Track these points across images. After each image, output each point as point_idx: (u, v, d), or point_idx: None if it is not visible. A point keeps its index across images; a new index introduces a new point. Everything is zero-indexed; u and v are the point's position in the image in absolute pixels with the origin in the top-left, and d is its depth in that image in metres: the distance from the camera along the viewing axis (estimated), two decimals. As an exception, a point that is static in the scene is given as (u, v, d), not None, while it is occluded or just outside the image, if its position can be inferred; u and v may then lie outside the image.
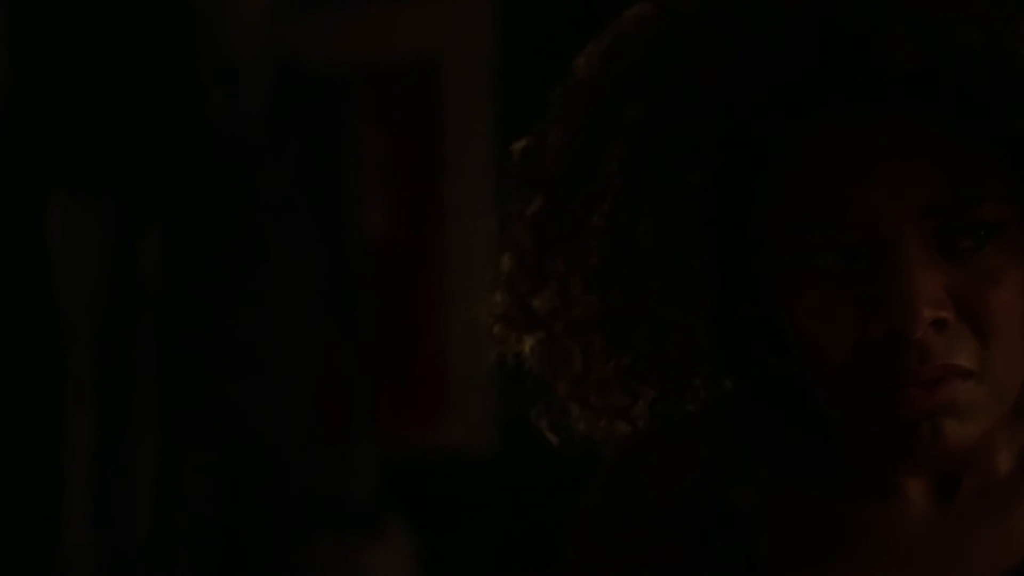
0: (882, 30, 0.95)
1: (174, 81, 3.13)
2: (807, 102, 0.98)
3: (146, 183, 3.12)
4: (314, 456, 3.21)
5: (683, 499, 1.09)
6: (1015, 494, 1.06)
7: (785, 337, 1.02)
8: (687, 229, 1.01)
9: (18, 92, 2.99)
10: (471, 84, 3.19)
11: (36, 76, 3.03)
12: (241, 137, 3.19)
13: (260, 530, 3.14)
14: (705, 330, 1.03)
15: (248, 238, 3.18)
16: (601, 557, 1.12)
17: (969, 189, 0.95)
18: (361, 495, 3.22)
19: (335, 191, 3.25)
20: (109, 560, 3.04)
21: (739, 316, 1.05)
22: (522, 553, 3.00)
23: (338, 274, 3.24)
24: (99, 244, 3.08)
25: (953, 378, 0.96)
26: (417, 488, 3.26)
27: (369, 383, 3.26)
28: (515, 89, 3.01)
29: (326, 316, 3.23)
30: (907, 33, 0.95)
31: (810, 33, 0.97)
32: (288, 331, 3.20)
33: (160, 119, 3.12)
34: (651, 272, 1.02)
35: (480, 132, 3.11)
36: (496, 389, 2.98)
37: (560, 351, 1.05)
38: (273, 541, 3.15)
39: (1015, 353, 0.99)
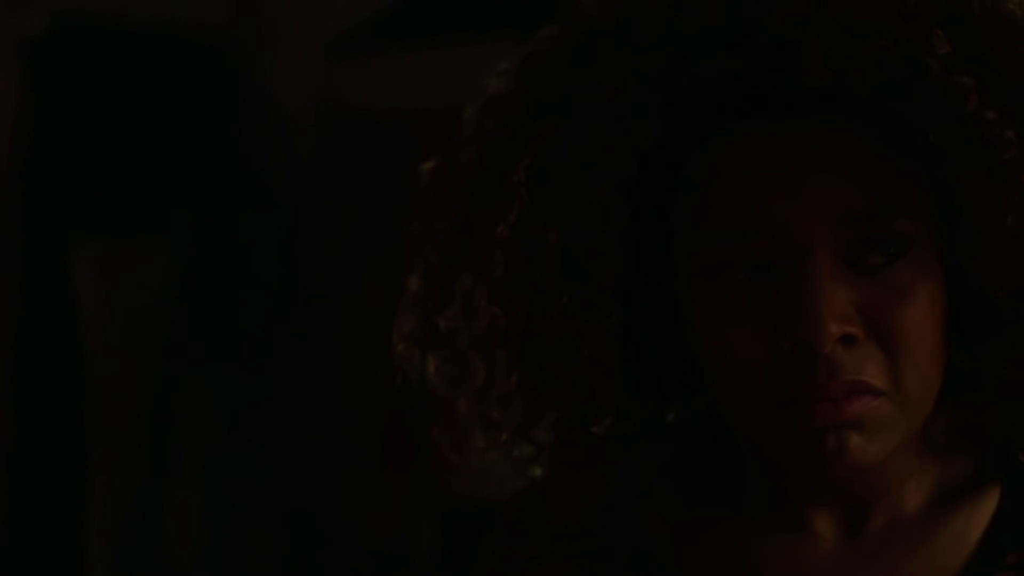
0: (795, 42, 0.95)
1: (216, 127, 3.18)
2: (722, 114, 0.98)
3: (198, 228, 3.20)
4: (375, 510, 3.21)
5: (588, 529, 1.09)
6: (925, 530, 1.05)
7: (695, 352, 1.01)
8: (595, 241, 1.01)
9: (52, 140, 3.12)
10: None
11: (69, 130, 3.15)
12: (294, 185, 3.19)
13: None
14: (612, 345, 1.03)
15: (304, 287, 3.19)
16: None
17: (883, 202, 0.95)
18: (424, 547, 3.19)
19: (390, 236, 3.18)
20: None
21: (649, 331, 1.05)
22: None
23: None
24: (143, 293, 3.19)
25: (861, 394, 0.95)
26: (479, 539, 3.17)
27: (429, 431, 3.19)
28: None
29: (382, 364, 3.19)
30: (820, 45, 0.94)
31: (724, 48, 0.97)
32: (345, 381, 3.19)
33: (203, 166, 3.18)
34: (557, 284, 1.01)
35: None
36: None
37: (463, 365, 1.04)
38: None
39: (925, 372, 0.98)
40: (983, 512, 1.07)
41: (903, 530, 1.05)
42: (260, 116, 3.23)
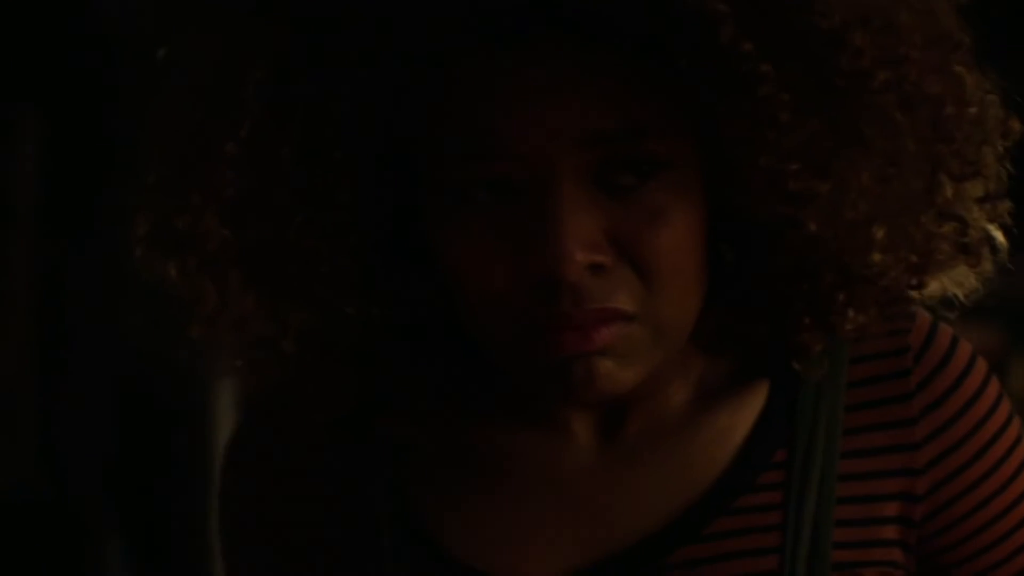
0: None
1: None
2: (465, 35, 0.93)
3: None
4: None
5: (340, 436, 1.09)
6: (687, 429, 1.05)
7: (442, 271, 0.99)
8: (332, 156, 0.97)
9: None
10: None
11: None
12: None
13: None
14: (354, 262, 1.00)
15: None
16: (254, 523, 1.11)
17: (633, 122, 0.92)
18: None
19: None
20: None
21: (395, 249, 1.02)
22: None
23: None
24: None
25: (611, 321, 0.94)
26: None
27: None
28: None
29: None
30: None
31: None
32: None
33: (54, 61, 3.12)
34: (293, 202, 0.97)
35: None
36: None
37: (193, 288, 1.00)
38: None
39: (681, 296, 0.96)
40: (750, 409, 1.05)
41: (664, 430, 1.04)
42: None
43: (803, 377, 1.03)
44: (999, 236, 1.02)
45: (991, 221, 1.01)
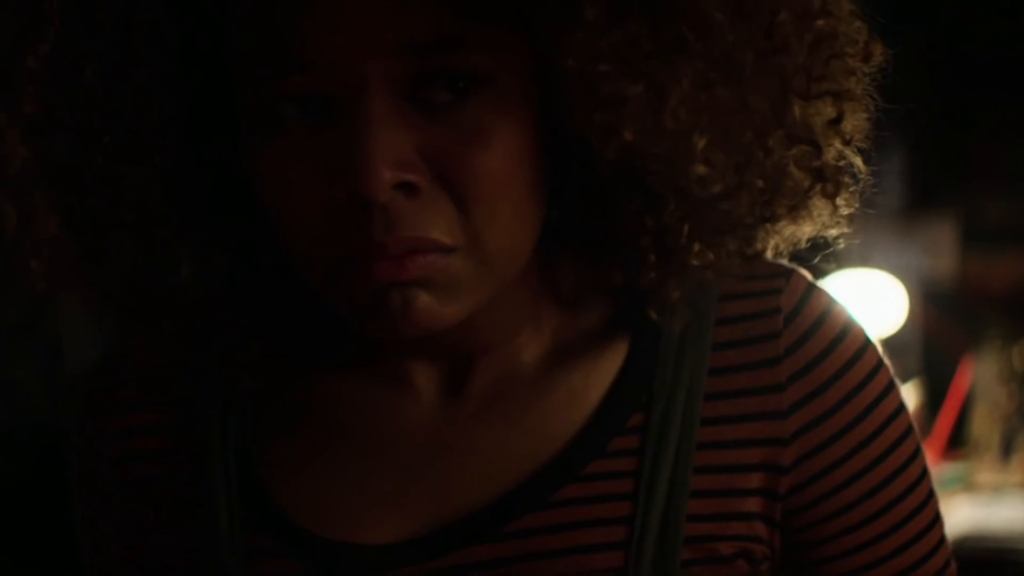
0: None
1: None
2: None
3: None
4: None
5: (173, 385, 1.05)
6: (538, 387, 0.99)
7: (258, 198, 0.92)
8: (137, 73, 0.90)
9: None
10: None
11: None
12: None
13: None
14: (161, 188, 0.93)
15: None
16: (96, 477, 1.09)
17: (449, 31, 0.84)
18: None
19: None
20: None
21: (212, 173, 0.95)
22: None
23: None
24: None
25: (427, 252, 0.87)
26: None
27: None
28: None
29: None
30: None
31: None
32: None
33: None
34: (98, 122, 0.90)
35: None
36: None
37: None
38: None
39: (507, 224, 0.89)
40: (608, 369, 0.99)
41: (514, 386, 0.99)
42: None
43: (663, 332, 0.98)
44: (858, 162, 0.95)
45: (846, 144, 0.94)
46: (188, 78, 0.91)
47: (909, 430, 1.02)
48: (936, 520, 1.04)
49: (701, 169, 0.88)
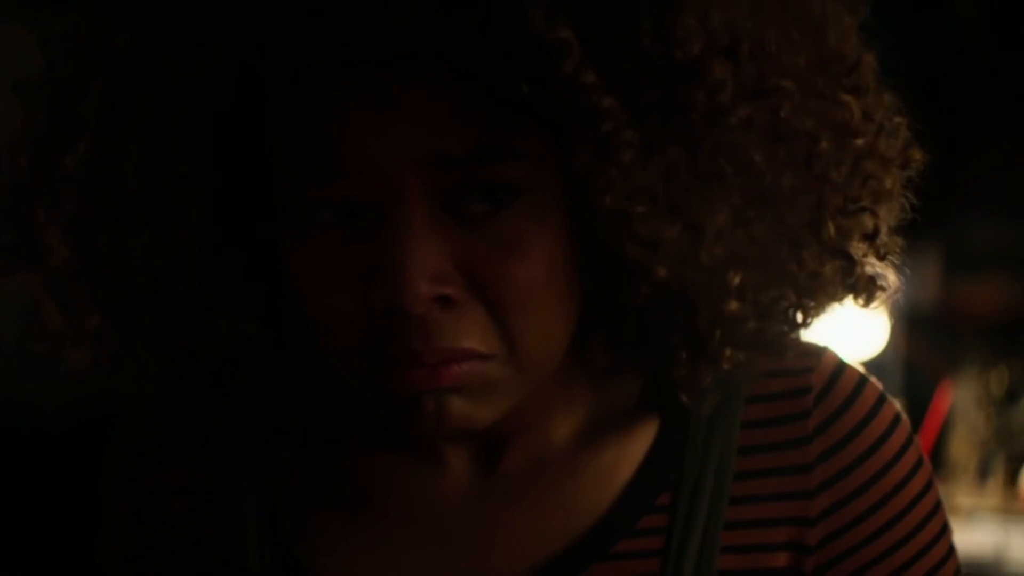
0: None
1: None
2: (312, 46, 0.86)
3: None
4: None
5: (204, 459, 1.05)
6: (570, 465, 0.99)
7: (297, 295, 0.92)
8: (175, 171, 0.91)
9: None
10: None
11: None
12: None
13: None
14: (200, 284, 0.93)
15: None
16: (130, 544, 1.09)
17: (486, 145, 0.84)
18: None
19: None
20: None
21: (246, 259, 0.96)
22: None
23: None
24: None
25: (464, 360, 0.87)
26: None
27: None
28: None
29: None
30: None
31: None
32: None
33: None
34: (137, 219, 0.92)
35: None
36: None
37: (37, 303, 0.95)
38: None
39: (545, 328, 0.89)
40: (638, 447, 0.99)
41: (546, 465, 0.99)
42: None
43: (693, 414, 0.98)
44: (890, 276, 0.95)
45: (880, 259, 0.94)
46: (224, 174, 0.92)
47: (936, 508, 1.02)
48: None
49: (735, 305, 0.88)
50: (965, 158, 3.98)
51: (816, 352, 1.00)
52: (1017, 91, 3.80)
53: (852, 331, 3.72)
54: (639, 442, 0.99)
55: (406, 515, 1.01)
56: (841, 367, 1.01)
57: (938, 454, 3.86)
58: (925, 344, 4.04)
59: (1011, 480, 3.79)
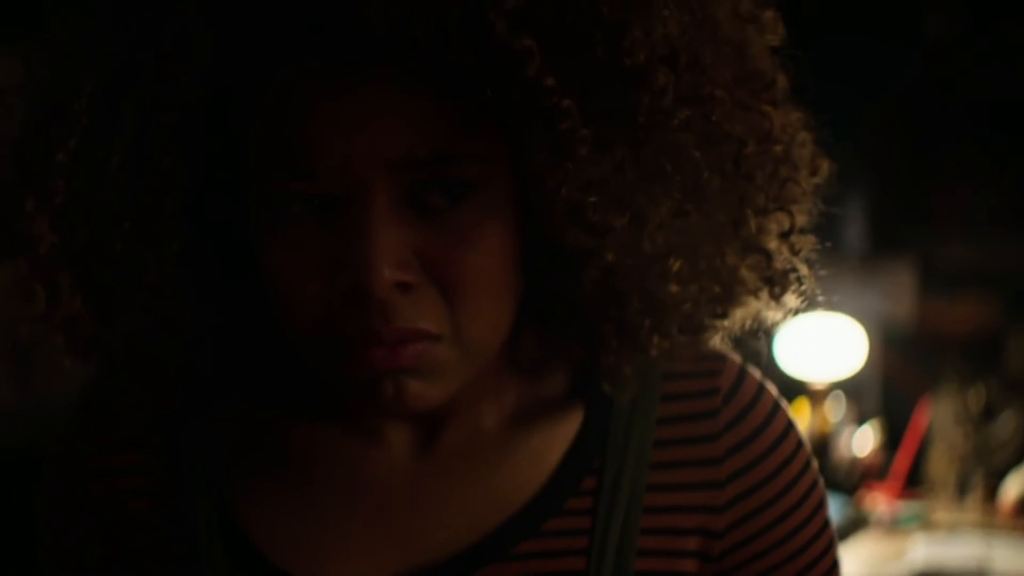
0: None
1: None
2: (291, 52, 0.92)
3: None
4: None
5: (160, 435, 1.11)
6: (502, 448, 1.07)
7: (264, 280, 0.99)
8: (158, 166, 0.97)
9: None
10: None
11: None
12: None
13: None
14: (175, 272, 1.00)
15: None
16: (71, 519, 1.13)
17: (446, 146, 0.92)
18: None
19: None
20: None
21: (223, 256, 1.04)
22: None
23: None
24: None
25: (418, 340, 0.95)
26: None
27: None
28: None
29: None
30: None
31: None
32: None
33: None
34: (119, 210, 0.98)
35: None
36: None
37: (24, 291, 1.01)
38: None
39: (488, 315, 0.97)
40: (564, 433, 1.08)
41: (479, 446, 1.07)
42: None
43: (616, 404, 1.06)
44: (803, 269, 1.04)
45: (794, 254, 1.03)
46: (202, 169, 0.98)
47: (823, 500, 1.13)
48: None
49: (674, 288, 0.97)
50: (940, 177, 4.00)
51: (721, 357, 1.10)
52: (991, 112, 3.83)
53: (830, 350, 3.74)
54: (566, 429, 1.08)
55: (348, 486, 1.07)
56: (744, 371, 1.11)
57: (918, 471, 3.88)
58: (903, 362, 4.07)
59: (990, 496, 3.81)
